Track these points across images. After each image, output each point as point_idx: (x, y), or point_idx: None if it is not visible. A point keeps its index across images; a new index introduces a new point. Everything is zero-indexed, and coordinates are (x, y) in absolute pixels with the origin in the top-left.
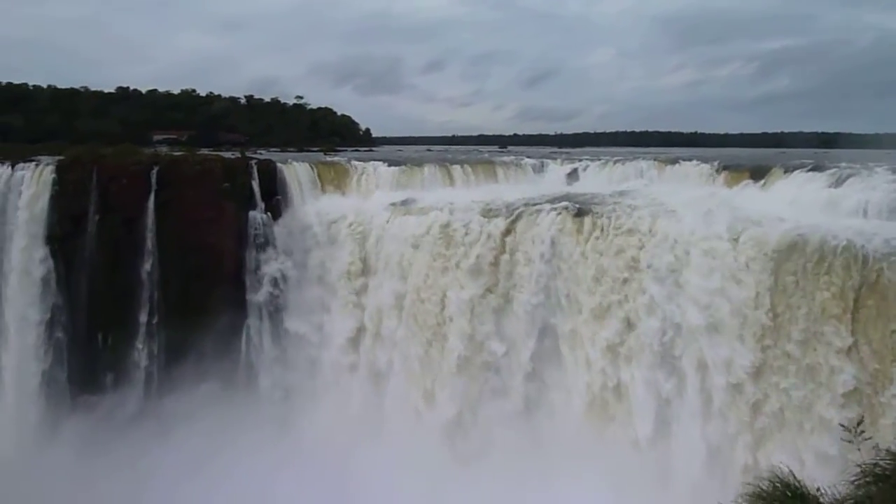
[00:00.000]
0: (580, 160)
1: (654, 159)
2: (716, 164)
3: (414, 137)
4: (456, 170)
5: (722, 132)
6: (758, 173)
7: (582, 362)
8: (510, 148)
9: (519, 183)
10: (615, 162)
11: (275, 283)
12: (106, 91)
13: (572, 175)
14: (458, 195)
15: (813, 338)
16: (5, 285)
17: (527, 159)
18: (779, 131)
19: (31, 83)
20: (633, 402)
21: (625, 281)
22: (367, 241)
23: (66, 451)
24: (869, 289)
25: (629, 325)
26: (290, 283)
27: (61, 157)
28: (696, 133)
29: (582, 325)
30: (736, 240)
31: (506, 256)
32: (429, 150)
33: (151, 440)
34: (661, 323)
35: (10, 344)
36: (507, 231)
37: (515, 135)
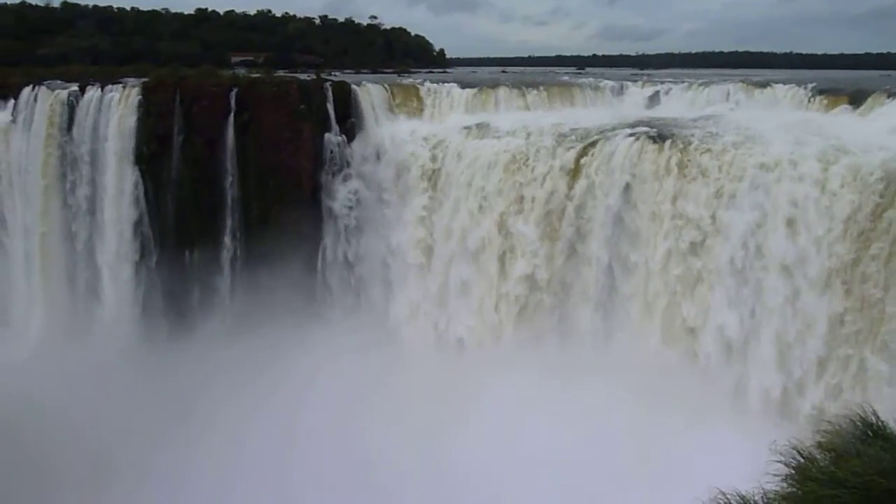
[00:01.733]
0: (662, 83)
1: (743, 82)
2: (811, 87)
3: (489, 58)
4: (531, 93)
5: (820, 52)
6: (858, 98)
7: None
8: (589, 70)
9: (596, 106)
10: (700, 85)
11: (349, 203)
12: (186, 13)
13: (653, 99)
14: (533, 119)
15: None
16: (101, 202)
17: (606, 82)
18: (886, 52)
19: (115, 6)
20: None
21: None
22: (439, 163)
23: (160, 351)
24: None
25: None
26: (364, 203)
27: (146, 80)
28: (791, 53)
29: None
30: (827, 170)
31: (580, 183)
32: (504, 71)
33: (232, 343)
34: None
35: (109, 257)
36: (580, 158)
37: (595, 55)
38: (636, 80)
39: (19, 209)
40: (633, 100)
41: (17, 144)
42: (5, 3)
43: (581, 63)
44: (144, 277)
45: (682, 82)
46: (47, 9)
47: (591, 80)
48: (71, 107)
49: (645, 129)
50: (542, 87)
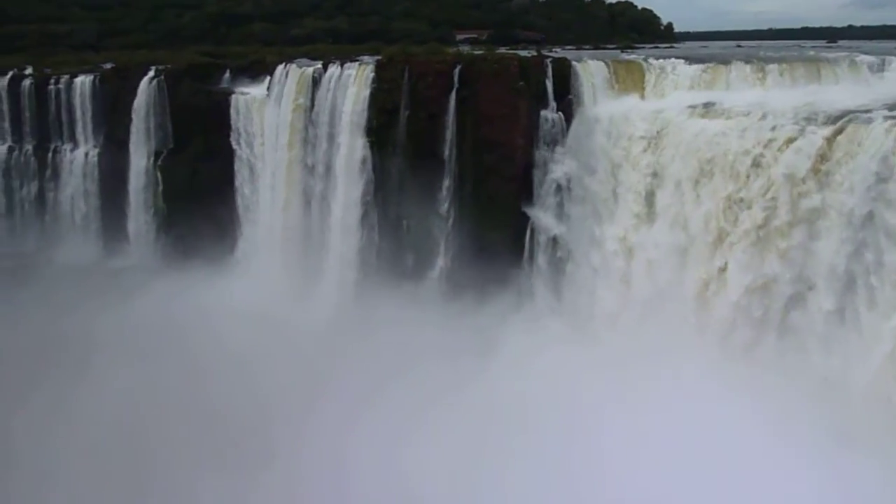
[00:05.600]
0: None
1: None
2: None
3: (721, 32)
4: (769, 68)
5: None
6: None
7: None
8: (842, 43)
9: (849, 85)
10: None
11: (561, 182)
12: None
13: None
14: (771, 98)
15: None
16: (335, 169)
17: (862, 56)
18: None
19: None
20: None
21: None
22: (659, 144)
23: (377, 313)
24: None
25: None
26: (577, 183)
27: (379, 57)
28: None
29: None
30: None
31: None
32: (738, 45)
33: (444, 311)
34: None
35: (335, 220)
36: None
37: (850, 26)
38: None
39: (268, 171)
40: None
41: (271, 115)
42: None
43: (832, 35)
44: (365, 239)
45: None
46: None
47: (844, 54)
48: (315, 82)
49: None
50: (782, 63)
